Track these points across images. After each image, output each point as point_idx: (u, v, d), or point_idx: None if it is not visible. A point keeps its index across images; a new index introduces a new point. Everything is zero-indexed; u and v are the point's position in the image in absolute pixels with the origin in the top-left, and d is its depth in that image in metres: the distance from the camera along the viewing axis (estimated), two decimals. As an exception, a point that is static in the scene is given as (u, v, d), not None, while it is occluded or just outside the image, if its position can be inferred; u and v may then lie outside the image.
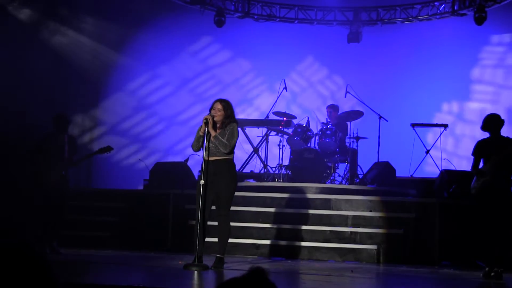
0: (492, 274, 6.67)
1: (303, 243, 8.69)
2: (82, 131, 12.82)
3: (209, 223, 6.62)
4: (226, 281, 1.80)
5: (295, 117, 11.42)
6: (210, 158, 6.47)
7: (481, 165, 7.04)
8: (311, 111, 12.62)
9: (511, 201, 6.89)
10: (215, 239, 6.75)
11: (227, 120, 6.54)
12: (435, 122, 11.63)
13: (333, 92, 13.87)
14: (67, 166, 8.33)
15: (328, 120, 11.25)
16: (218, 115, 6.50)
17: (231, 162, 6.57)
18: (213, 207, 6.63)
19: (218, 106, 6.55)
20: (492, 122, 7.03)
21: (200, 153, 6.65)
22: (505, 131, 7.10)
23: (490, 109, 12.91)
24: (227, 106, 6.57)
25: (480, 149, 7.04)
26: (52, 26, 11.45)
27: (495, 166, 6.86)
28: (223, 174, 6.47)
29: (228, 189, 6.49)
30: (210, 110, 6.59)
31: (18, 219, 8.74)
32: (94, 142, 12.86)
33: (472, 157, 7.09)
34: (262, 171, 11.20)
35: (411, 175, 10.98)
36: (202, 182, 6.33)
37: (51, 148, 8.23)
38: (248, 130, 11.74)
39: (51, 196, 8.11)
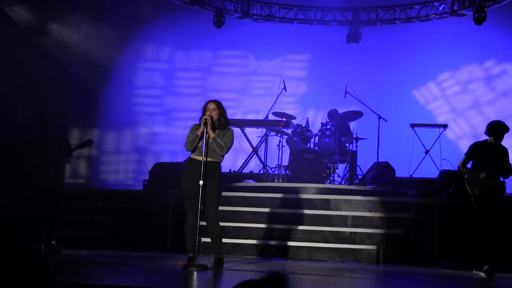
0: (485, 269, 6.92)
1: (303, 244, 8.69)
2: (81, 132, 12.82)
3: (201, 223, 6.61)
4: (244, 282, 1.80)
5: (294, 118, 11.42)
6: (203, 159, 6.43)
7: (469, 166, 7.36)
8: (310, 112, 12.64)
9: (502, 203, 7.30)
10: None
11: (222, 119, 6.55)
12: (434, 123, 11.63)
13: (333, 92, 13.85)
14: (57, 165, 8.30)
15: (328, 121, 11.25)
16: (215, 114, 6.51)
17: (219, 165, 6.58)
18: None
19: (212, 106, 6.55)
20: (495, 129, 7.26)
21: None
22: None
23: (490, 108, 12.95)
24: (220, 105, 6.60)
25: (474, 151, 7.31)
26: (50, 27, 11.45)
27: (496, 170, 7.14)
28: (212, 176, 6.45)
29: (216, 190, 6.48)
30: (203, 112, 6.57)
31: (13, 219, 8.76)
32: (94, 143, 12.86)
33: (463, 155, 7.37)
34: (262, 172, 11.21)
35: (411, 175, 10.98)
36: (201, 182, 6.32)
37: (42, 149, 8.23)
38: (248, 130, 11.74)
39: (44, 196, 8.13)
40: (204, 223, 6.56)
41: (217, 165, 6.55)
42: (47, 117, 8.41)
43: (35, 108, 9.66)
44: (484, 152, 7.22)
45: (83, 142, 8.63)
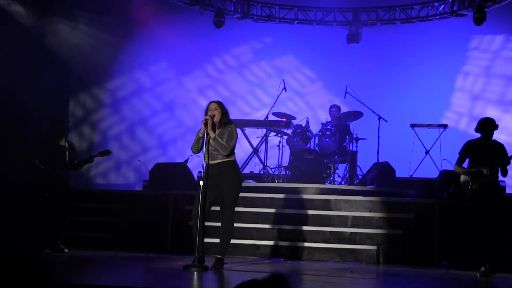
0: (482, 270, 6.88)
1: (303, 244, 8.70)
2: (82, 133, 12.83)
3: (209, 223, 6.63)
4: (246, 281, 1.80)
5: (294, 118, 11.42)
6: (213, 162, 6.50)
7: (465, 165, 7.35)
8: (310, 112, 12.63)
9: (500, 202, 7.24)
10: (216, 240, 6.75)
11: (224, 118, 6.57)
12: (434, 123, 11.64)
13: (333, 92, 13.87)
14: (67, 169, 8.43)
15: (328, 121, 11.26)
16: (216, 113, 6.54)
17: (234, 163, 6.59)
18: (216, 208, 6.63)
19: (213, 106, 6.60)
20: (485, 126, 7.29)
21: (200, 154, 6.66)
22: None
23: (489, 109, 12.95)
24: (221, 104, 6.65)
25: (468, 149, 7.33)
26: (49, 25, 11.43)
27: (492, 167, 7.12)
28: (228, 176, 6.49)
29: (232, 190, 6.50)
30: (205, 113, 6.60)
31: (19, 221, 8.78)
32: (94, 144, 12.88)
33: (458, 155, 7.36)
34: (262, 172, 11.21)
35: (411, 176, 10.98)
36: (201, 183, 6.34)
37: (51, 153, 8.34)
38: (248, 130, 11.74)
39: (53, 198, 8.22)
40: (208, 224, 6.58)
41: (230, 163, 6.54)
42: (67, 124, 8.64)
43: (32, 109, 9.69)
44: (477, 150, 7.24)
45: (101, 152, 8.72)
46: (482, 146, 7.25)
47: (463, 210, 8.45)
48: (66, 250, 8.20)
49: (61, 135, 8.52)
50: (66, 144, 8.55)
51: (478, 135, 7.41)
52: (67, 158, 8.45)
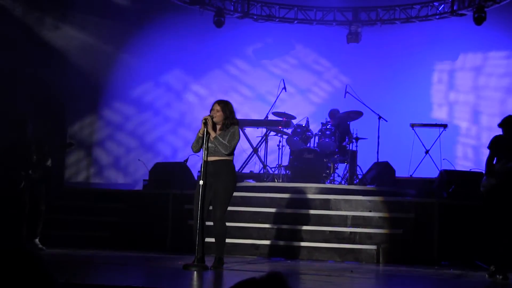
0: (499, 276, 6.67)
1: (303, 243, 8.69)
2: (82, 131, 12.82)
3: (210, 223, 6.62)
4: (244, 280, 1.80)
5: (294, 117, 11.43)
6: (210, 159, 6.47)
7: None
8: (310, 112, 12.63)
9: None
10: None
11: (227, 121, 6.52)
12: (434, 122, 11.63)
13: (333, 92, 13.87)
14: (35, 167, 8.36)
15: (328, 120, 11.26)
16: (217, 116, 6.51)
17: (230, 163, 6.55)
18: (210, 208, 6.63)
19: (217, 107, 6.55)
20: (505, 122, 6.99)
21: (200, 153, 6.65)
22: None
23: (490, 108, 12.95)
24: (225, 106, 6.56)
25: (496, 144, 7.00)
26: (50, 24, 11.42)
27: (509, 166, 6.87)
28: (222, 175, 6.45)
29: (225, 190, 6.47)
30: (210, 111, 6.60)
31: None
32: (94, 143, 12.89)
33: (488, 150, 7.02)
34: (262, 171, 11.21)
35: (411, 175, 10.98)
36: (201, 182, 6.33)
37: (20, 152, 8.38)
38: (248, 130, 11.74)
39: (25, 196, 8.22)
40: (209, 223, 6.57)
41: (226, 163, 6.49)
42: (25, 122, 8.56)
43: (32, 107, 9.68)
44: (502, 146, 6.92)
45: (64, 144, 8.66)
46: (504, 143, 6.95)
47: (465, 210, 8.40)
48: (44, 248, 8.14)
49: (24, 134, 8.44)
50: (32, 142, 8.46)
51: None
52: (33, 156, 8.37)
